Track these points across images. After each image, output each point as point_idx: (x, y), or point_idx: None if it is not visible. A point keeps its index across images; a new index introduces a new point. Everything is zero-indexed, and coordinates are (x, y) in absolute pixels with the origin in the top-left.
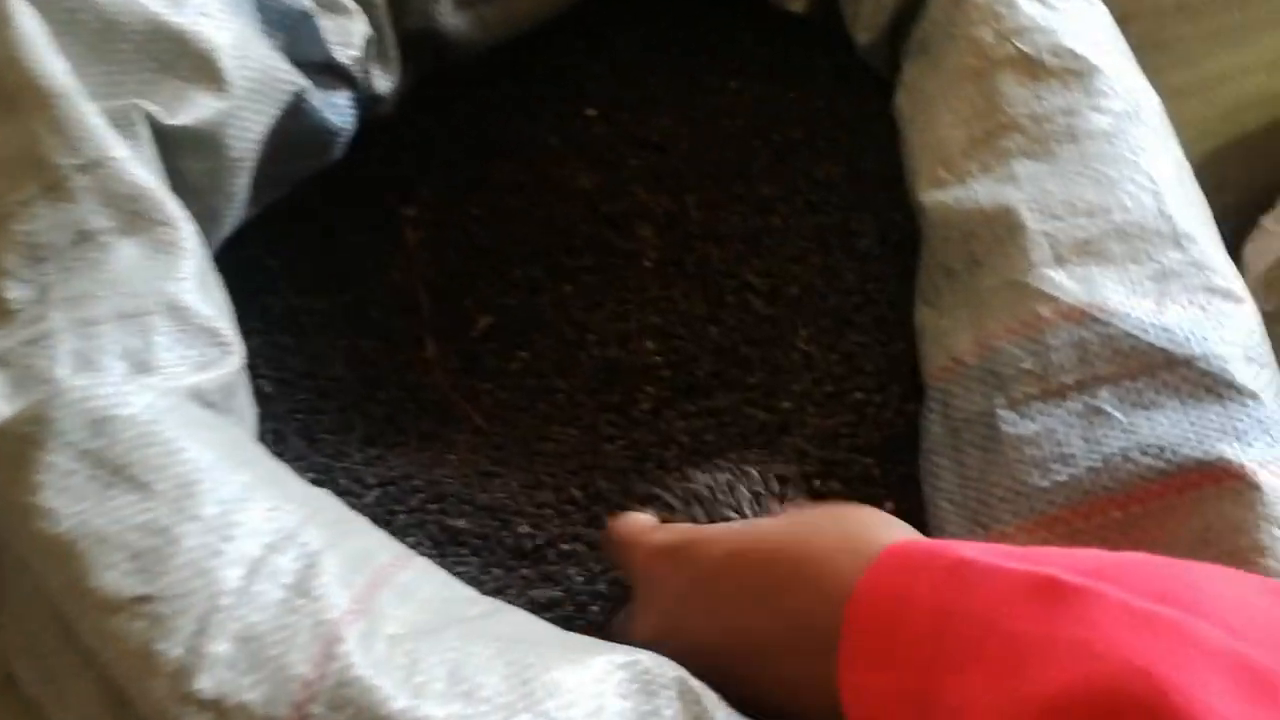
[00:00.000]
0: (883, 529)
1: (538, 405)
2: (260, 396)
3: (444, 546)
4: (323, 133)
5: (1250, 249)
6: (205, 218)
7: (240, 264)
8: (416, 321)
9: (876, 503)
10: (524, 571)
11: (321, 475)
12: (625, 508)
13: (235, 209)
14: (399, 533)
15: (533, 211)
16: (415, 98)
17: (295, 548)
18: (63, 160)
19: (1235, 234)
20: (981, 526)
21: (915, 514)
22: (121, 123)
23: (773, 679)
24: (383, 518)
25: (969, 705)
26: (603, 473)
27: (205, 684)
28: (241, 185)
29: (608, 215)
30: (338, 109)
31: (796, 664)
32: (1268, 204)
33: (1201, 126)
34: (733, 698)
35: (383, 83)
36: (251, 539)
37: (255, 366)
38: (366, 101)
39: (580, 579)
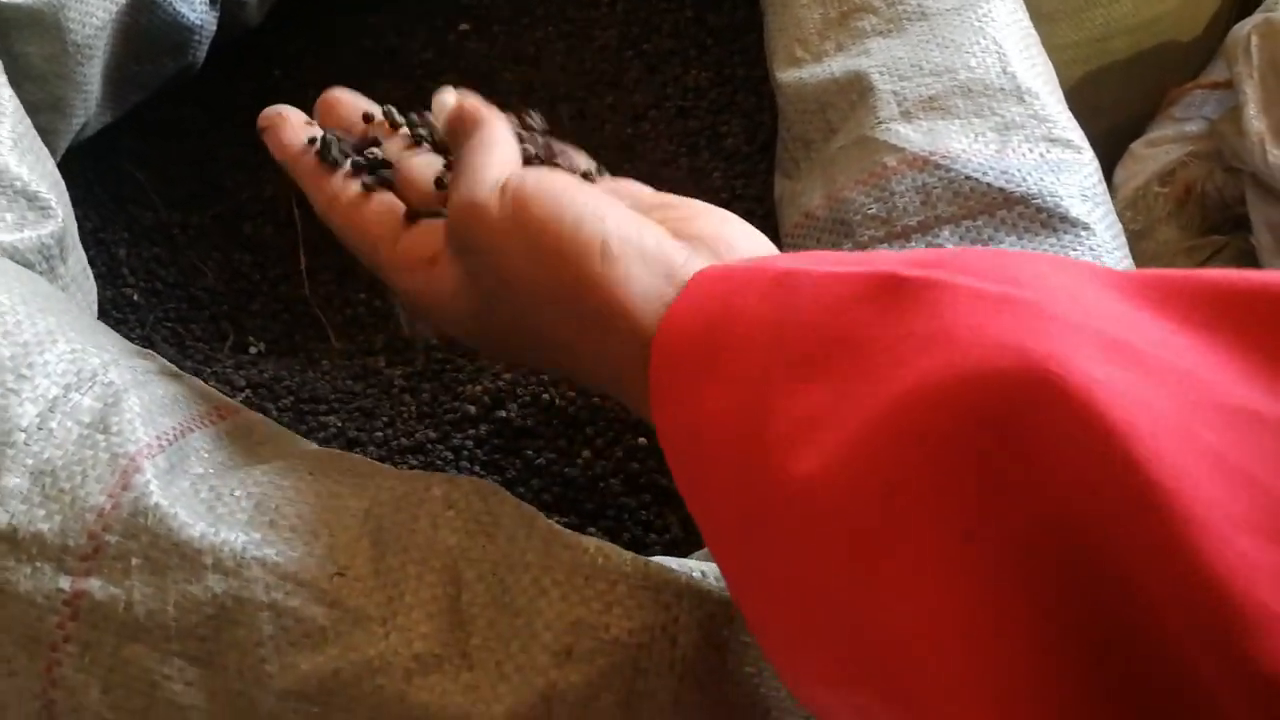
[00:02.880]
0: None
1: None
2: (128, 305)
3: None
4: (177, 28)
5: (1120, 172)
6: (50, 107)
7: (109, 176)
8: (290, 235)
9: None
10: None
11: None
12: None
13: (86, 101)
14: None
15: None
16: (287, 15)
17: (98, 387)
18: None
19: (1107, 159)
20: None
21: None
22: None
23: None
24: None
25: (816, 418)
26: (469, 371)
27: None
28: (90, 75)
29: None
30: (192, 5)
31: (589, 368)
32: (1138, 131)
33: (1072, 51)
34: None
35: None
36: (50, 379)
37: (123, 276)
38: (229, 6)
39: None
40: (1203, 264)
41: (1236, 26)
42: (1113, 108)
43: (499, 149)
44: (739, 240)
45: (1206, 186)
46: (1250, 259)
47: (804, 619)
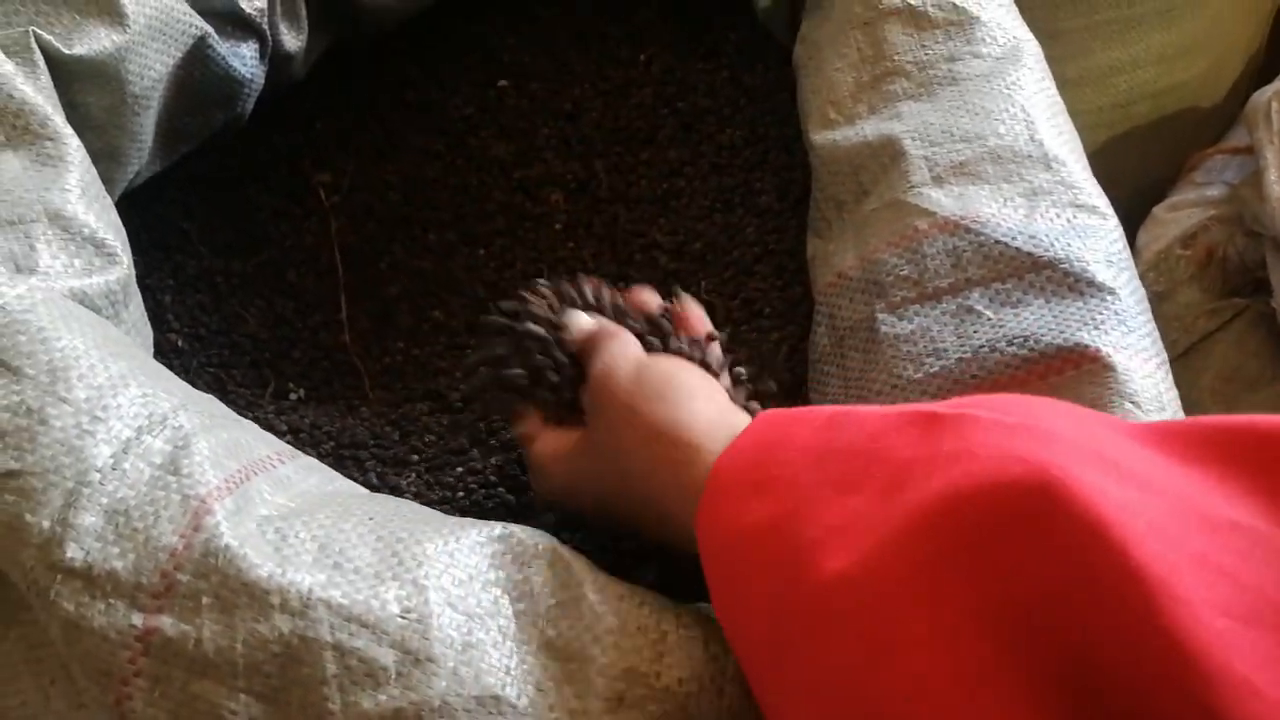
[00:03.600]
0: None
1: (447, 362)
2: (173, 350)
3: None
4: (229, 81)
5: (1143, 235)
6: (107, 155)
7: (156, 225)
8: (331, 283)
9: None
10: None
11: None
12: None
13: (140, 150)
14: None
15: (446, 179)
16: (333, 68)
17: (168, 430)
18: None
19: (1128, 224)
20: None
21: None
22: (17, 49)
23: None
24: None
25: (851, 524)
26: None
27: (74, 553)
28: (145, 126)
29: (520, 181)
30: (243, 59)
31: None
32: (1160, 195)
33: (1095, 116)
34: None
35: (292, 41)
36: (123, 421)
37: (167, 322)
38: (276, 60)
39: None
40: (1224, 325)
41: (1257, 93)
42: (1136, 172)
43: (630, 344)
44: None
45: (1228, 250)
46: (1270, 321)
47: (825, 708)
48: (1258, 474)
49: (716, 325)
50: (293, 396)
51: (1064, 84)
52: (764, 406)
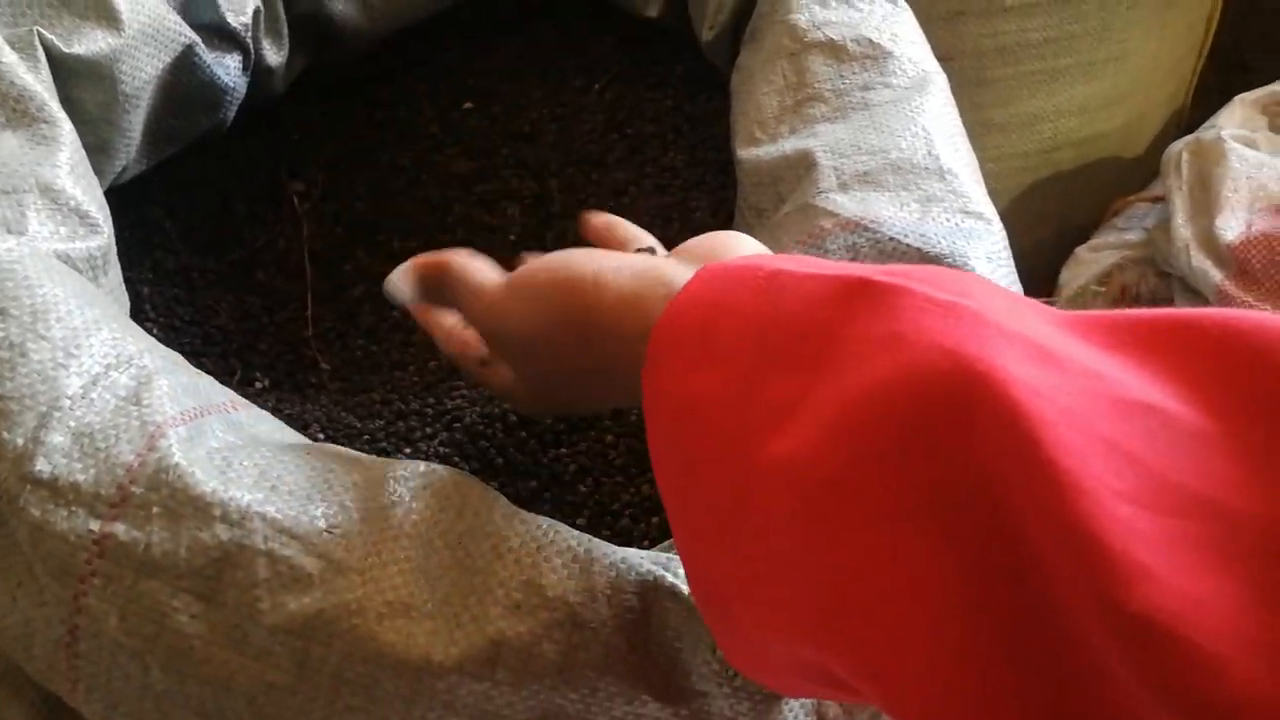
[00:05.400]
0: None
1: (403, 357)
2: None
3: None
4: (213, 89)
5: (1065, 273)
6: (98, 149)
7: (139, 222)
8: (299, 284)
9: None
10: None
11: None
12: (479, 435)
13: (128, 147)
14: None
15: (411, 192)
16: (309, 86)
17: (133, 368)
18: None
19: (1053, 264)
20: None
21: None
22: (21, 45)
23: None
24: None
25: (792, 404)
26: (450, 412)
27: (42, 467)
28: (134, 124)
29: (479, 196)
30: (227, 69)
31: (613, 392)
32: (1083, 237)
33: (1021, 161)
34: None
35: (273, 56)
36: (93, 358)
37: (145, 312)
38: (258, 73)
39: None
40: None
41: (1172, 145)
42: (1060, 214)
43: (473, 264)
44: (734, 250)
45: (1140, 288)
46: None
47: (767, 583)
48: (1175, 358)
49: None
50: (258, 385)
51: (990, 128)
52: None
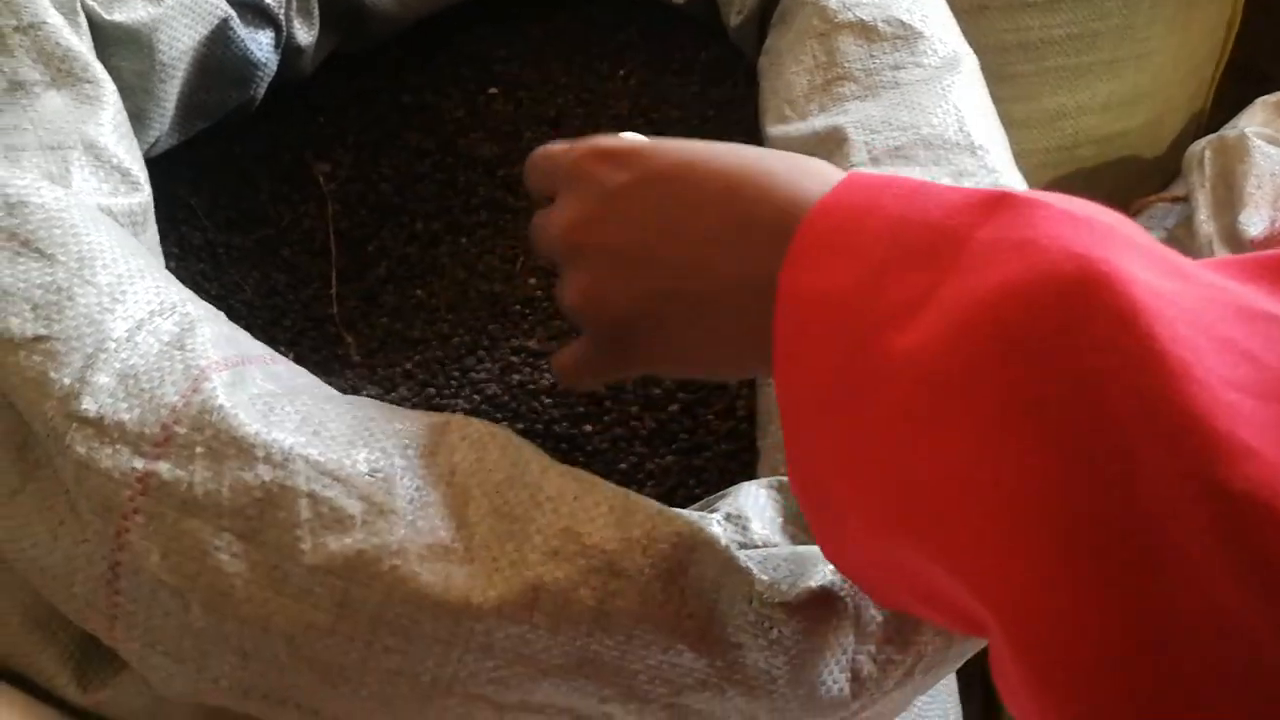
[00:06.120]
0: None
1: (427, 335)
2: None
3: None
4: (245, 64)
5: None
6: (134, 117)
7: (167, 199)
8: (324, 261)
9: (723, 385)
10: None
11: None
12: (503, 407)
13: (163, 117)
14: None
15: (436, 174)
16: (337, 69)
17: (177, 315)
18: (3, 21)
19: None
20: None
21: (752, 393)
22: (64, 10)
23: (697, 292)
24: None
25: (919, 302)
26: (474, 384)
27: (88, 405)
28: (169, 93)
29: (504, 179)
30: (260, 45)
31: (731, 265)
32: None
33: (1042, 157)
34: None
35: (304, 35)
36: (138, 304)
37: None
38: (288, 52)
39: None
40: None
41: (1194, 144)
42: None
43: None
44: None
45: None
46: None
47: (869, 475)
48: None
49: None
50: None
51: (1012, 124)
52: None
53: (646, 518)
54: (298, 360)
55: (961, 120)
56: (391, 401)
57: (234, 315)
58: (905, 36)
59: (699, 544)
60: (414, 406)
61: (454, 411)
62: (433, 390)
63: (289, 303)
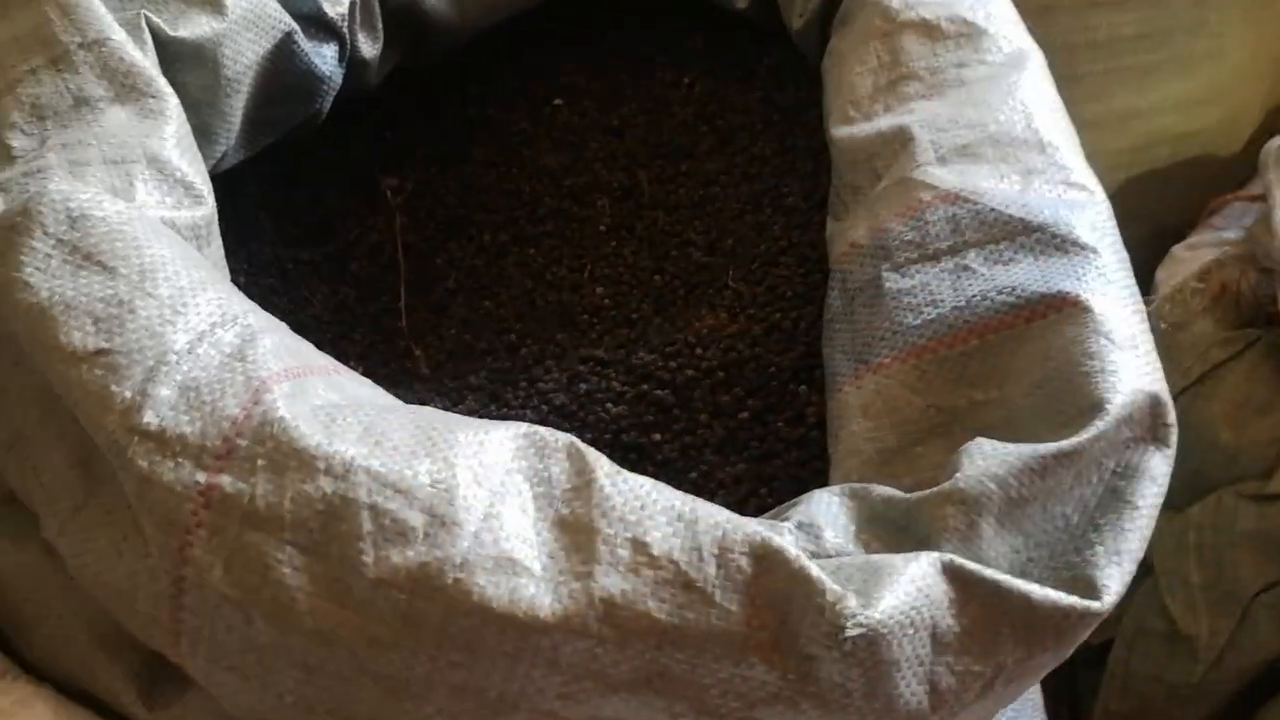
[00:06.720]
0: None
1: (496, 346)
2: None
3: None
4: (310, 78)
5: (1161, 272)
6: (200, 132)
7: (235, 215)
8: (393, 275)
9: (793, 391)
10: None
11: None
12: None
13: (229, 132)
14: None
15: (502, 185)
16: (401, 83)
17: (238, 326)
18: (68, 38)
19: (1148, 263)
20: (864, 363)
21: (822, 399)
22: (128, 27)
23: None
24: None
25: None
26: (541, 395)
27: (150, 419)
28: (235, 108)
29: (569, 189)
30: (325, 59)
31: None
32: (1179, 236)
33: (1114, 158)
34: None
35: (368, 49)
36: (199, 316)
37: None
38: (353, 65)
39: None
40: (1236, 355)
41: (1271, 140)
42: (1154, 212)
43: None
44: None
45: (1241, 285)
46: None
47: None
48: None
49: (742, 309)
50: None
51: (1082, 125)
52: None
53: (715, 526)
54: (367, 373)
55: (1029, 117)
56: (460, 413)
57: (303, 330)
58: (969, 34)
59: (769, 553)
60: (482, 418)
61: (523, 418)
62: (500, 401)
63: (358, 316)
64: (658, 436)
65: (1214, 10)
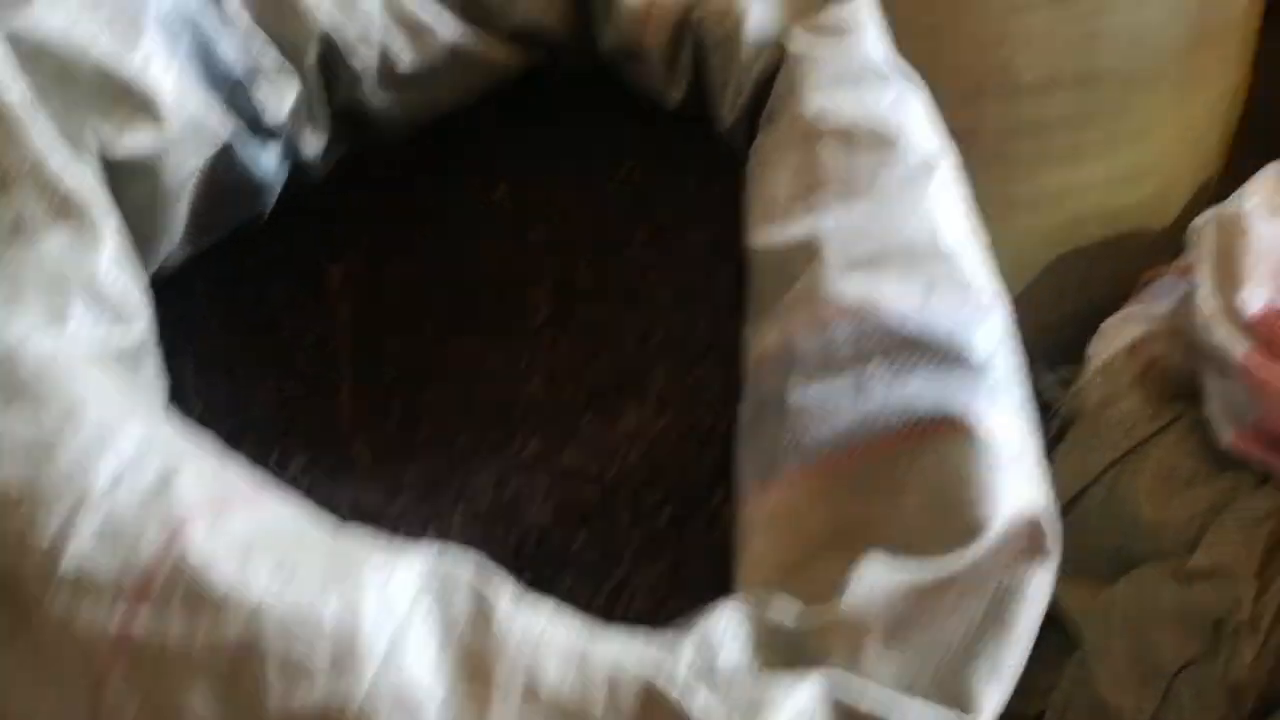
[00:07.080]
0: None
1: (432, 437)
2: (192, 418)
3: None
4: (252, 182)
5: (1093, 345)
6: (141, 240)
7: (182, 313)
8: (337, 369)
9: (710, 496)
10: None
11: None
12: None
13: (170, 239)
14: None
15: (444, 276)
16: (347, 172)
17: (160, 460)
18: (7, 161)
19: (1080, 338)
20: (769, 475)
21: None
22: (72, 143)
23: None
24: None
25: None
26: (470, 495)
27: (66, 566)
28: (177, 216)
29: (509, 279)
30: (268, 162)
31: None
32: (1111, 309)
33: (1046, 235)
34: None
35: (312, 147)
36: (122, 452)
37: (188, 395)
38: (297, 163)
39: None
40: (1162, 430)
41: (1199, 217)
42: (1086, 287)
43: None
44: None
45: (1168, 360)
46: (1204, 427)
47: None
48: None
49: (666, 408)
50: (295, 466)
51: (1015, 204)
52: None
53: (606, 664)
54: (310, 465)
55: (935, 229)
56: (392, 512)
57: (248, 427)
58: (886, 141)
59: (654, 696)
60: (412, 518)
61: (451, 520)
62: (429, 503)
63: (302, 411)
64: (580, 540)
65: (1141, 93)
